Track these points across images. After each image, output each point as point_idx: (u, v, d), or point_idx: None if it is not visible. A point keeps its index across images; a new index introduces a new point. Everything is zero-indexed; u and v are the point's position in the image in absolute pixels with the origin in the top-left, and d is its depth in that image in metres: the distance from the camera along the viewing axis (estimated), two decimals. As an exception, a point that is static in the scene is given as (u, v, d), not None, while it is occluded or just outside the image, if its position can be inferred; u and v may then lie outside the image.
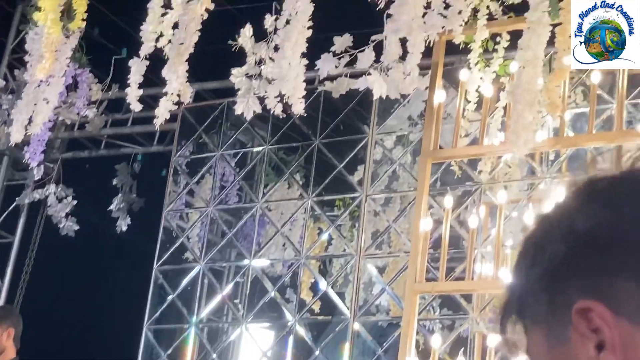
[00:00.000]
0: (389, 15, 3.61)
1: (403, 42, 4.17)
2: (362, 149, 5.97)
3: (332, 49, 4.65)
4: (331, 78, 5.12)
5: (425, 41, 3.75)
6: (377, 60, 4.66)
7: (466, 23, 4.70)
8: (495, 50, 4.80)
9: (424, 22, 3.50)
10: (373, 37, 4.65)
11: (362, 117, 6.07)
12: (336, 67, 4.75)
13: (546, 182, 5.11)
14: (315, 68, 4.64)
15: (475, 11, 4.74)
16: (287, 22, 4.21)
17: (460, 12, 4.07)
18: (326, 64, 4.68)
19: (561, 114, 4.28)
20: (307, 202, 6.13)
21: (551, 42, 4.05)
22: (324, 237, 6.67)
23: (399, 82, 4.71)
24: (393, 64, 4.51)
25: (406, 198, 6.19)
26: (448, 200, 4.46)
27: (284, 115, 4.28)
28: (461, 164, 5.18)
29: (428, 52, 4.61)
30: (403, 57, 4.31)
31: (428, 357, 4.08)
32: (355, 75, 4.99)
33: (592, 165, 0.98)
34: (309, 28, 4.15)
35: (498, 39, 4.80)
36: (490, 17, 4.75)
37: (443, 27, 3.85)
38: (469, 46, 4.80)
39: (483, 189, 5.23)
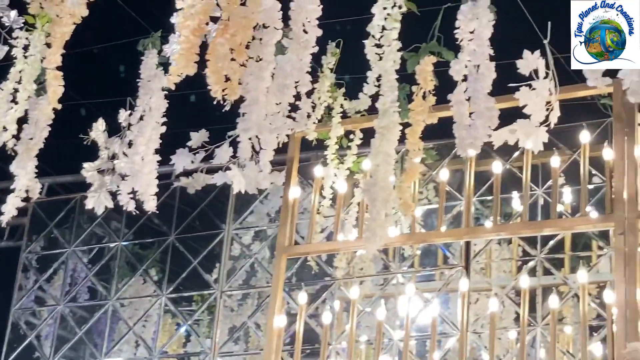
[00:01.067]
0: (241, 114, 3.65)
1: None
2: (219, 245, 5.95)
3: (188, 143, 4.65)
4: (187, 173, 5.10)
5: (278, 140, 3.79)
6: (234, 155, 4.69)
7: (320, 121, 4.80)
8: (348, 147, 4.90)
9: (271, 124, 3.54)
10: (229, 133, 4.68)
11: (219, 213, 6.06)
12: (192, 162, 4.75)
13: (398, 278, 5.18)
14: (171, 162, 4.63)
15: (329, 109, 4.85)
16: (141, 117, 4.19)
17: (309, 116, 4.16)
18: (181, 159, 4.67)
19: (412, 211, 4.37)
20: (161, 298, 6.04)
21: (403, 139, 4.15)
22: (181, 334, 6.56)
23: (255, 178, 4.74)
24: (247, 160, 4.54)
25: (264, 293, 6.16)
26: (302, 297, 4.47)
27: (137, 212, 4.22)
28: (318, 259, 5.21)
29: (285, 147, 4.67)
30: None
31: None
32: (211, 171, 4.99)
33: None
34: (163, 124, 4.14)
35: (351, 136, 4.91)
36: (344, 115, 4.85)
37: (292, 129, 3.91)
38: (324, 142, 4.89)
39: (338, 284, 5.26)
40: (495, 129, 3.62)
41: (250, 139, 4.14)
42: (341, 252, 4.91)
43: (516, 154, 5.13)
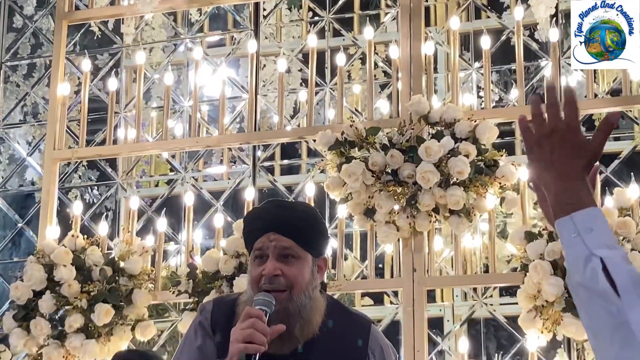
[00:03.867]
0: None
1: None
2: (-6, 14, 5.59)
3: None
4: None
5: None
6: None
7: None
8: None
9: None
10: None
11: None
12: None
13: (187, 44, 5.04)
14: None
15: None
16: None
17: None
18: None
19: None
20: None
21: None
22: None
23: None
24: None
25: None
26: (85, 64, 4.29)
27: None
28: (103, 26, 4.97)
29: None
30: None
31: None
32: None
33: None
34: None
35: None
36: None
37: None
38: None
39: (126, 52, 5.09)
40: None
41: None
42: (126, 17, 4.70)
43: None
